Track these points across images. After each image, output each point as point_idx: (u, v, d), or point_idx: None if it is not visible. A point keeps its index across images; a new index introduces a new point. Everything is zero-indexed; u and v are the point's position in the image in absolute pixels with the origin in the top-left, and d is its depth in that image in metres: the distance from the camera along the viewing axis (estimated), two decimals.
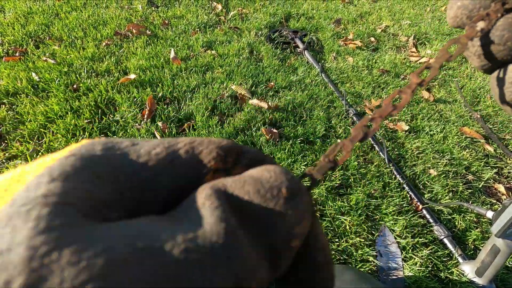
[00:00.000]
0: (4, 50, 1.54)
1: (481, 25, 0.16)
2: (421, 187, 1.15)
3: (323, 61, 1.81)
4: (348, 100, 1.50)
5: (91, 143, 0.11)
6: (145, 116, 1.24)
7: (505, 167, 1.28)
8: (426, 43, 2.13)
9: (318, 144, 1.22)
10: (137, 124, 1.21)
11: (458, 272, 0.89)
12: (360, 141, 0.15)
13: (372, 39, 2.09)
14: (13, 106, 1.23)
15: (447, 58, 0.16)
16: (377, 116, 0.16)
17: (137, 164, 0.11)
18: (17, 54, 1.52)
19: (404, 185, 1.12)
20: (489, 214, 0.86)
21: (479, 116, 1.50)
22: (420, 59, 1.91)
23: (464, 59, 1.98)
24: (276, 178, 0.11)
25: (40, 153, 1.05)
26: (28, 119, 1.17)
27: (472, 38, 0.16)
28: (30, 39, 1.64)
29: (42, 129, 1.14)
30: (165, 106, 1.31)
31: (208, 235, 0.09)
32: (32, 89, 1.30)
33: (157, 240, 0.09)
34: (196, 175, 0.12)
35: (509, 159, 1.32)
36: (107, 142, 0.12)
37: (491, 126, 1.48)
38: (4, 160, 1.03)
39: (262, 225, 0.11)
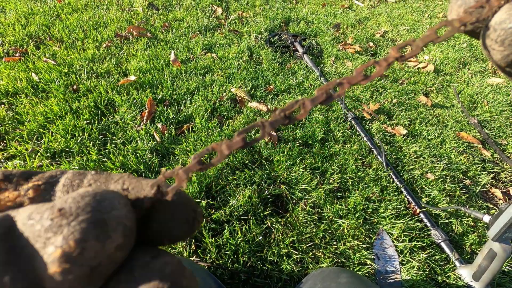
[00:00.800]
0: (4, 51, 1.54)
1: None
2: (418, 191, 1.15)
3: (322, 65, 1.83)
4: (347, 104, 1.51)
5: None
6: (145, 118, 1.25)
7: (502, 172, 1.29)
8: (424, 48, 2.15)
9: (316, 147, 1.22)
10: (136, 126, 1.22)
11: (455, 276, 0.90)
12: (322, 103, 0.15)
13: (371, 44, 2.11)
14: (13, 106, 1.23)
15: (433, 39, 0.15)
16: (345, 82, 0.15)
17: None
18: (17, 55, 1.53)
19: (402, 189, 1.12)
20: (486, 218, 0.87)
21: (476, 121, 1.52)
22: (418, 64, 1.93)
23: (462, 65, 2.00)
24: (72, 200, 0.10)
25: (38, 154, 1.05)
26: (28, 119, 1.17)
27: (466, 23, 0.14)
28: (30, 40, 1.64)
29: (41, 130, 1.14)
30: (165, 108, 1.31)
31: None
32: (32, 90, 1.31)
33: None
34: None
35: (506, 164, 1.33)
36: None
37: (488, 131, 1.49)
38: (2, 160, 1.03)
39: (28, 249, 0.10)
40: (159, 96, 1.37)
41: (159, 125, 1.22)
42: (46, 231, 0.10)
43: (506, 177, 1.28)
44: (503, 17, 0.14)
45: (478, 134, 1.46)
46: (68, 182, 0.13)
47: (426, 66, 1.91)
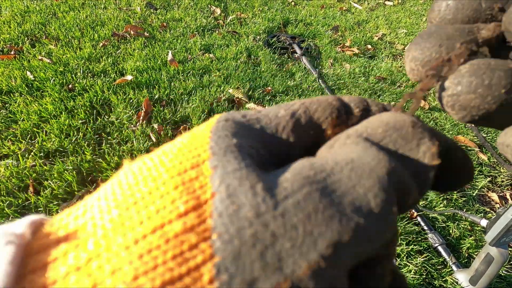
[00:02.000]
0: None
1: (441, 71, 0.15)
2: None
3: (320, 67, 1.82)
4: None
5: (228, 114, 0.13)
6: (141, 118, 1.23)
7: (499, 175, 1.29)
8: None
9: None
10: (132, 126, 1.20)
11: (452, 281, 0.89)
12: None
13: (369, 46, 2.11)
14: (6, 105, 1.22)
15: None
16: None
17: (271, 125, 0.13)
18: (12, 53, 1.51)
19: None
20: (483, 222, 0.86)
21: (473, 125, 1.52)
22: None
23: None
24: (397, 117, 0.13)
25: (32, 153, 1.03)
26: (21, 118, 1.15)
27: (429, 89, 0.15)
28: (26, 38, 1.63)
29: (35, 129, 1.12)
30: (161, 108, 1.30)
31: (364, 160, 0.11)
32: (26, 88, 1.29)
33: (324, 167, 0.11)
34: (318, 130, 0.13)
35: (502, 168, 1.33)
36: (240, 112, 0.14)
37: (485, 135, 1.50)
38: None
39: (401, 154, 0.12)
40: (156, 96, 1.35)
41: (155, 126, 1.21)
42: (411, 135, 0.12)
43: (502, 181, 1.28)
44: (448, 84, 0.15)
45: (475, 137, 1.47)
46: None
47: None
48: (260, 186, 0.10)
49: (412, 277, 0.89)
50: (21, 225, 0.10)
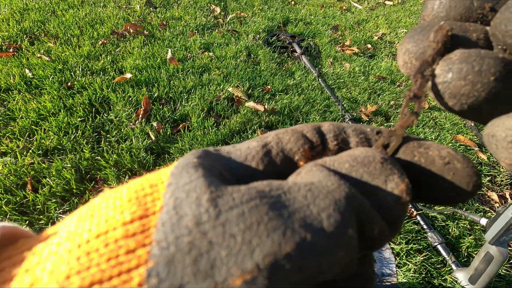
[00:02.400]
0: None
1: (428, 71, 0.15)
2: None
3: (320, 66, 1.82)
4: (345, 105, 1.50)
5: (201, 149, 0.14)
6: (140, 116, 1.23)
7: (498, 175, 1.29)
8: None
9: None
10: (131, 124, 1.20)
11: (451, 279, 0.89)
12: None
13: (369, 46, 2.11)
14: (5, 102, 1.21)
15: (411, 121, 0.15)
16: None
17: (240, 155, 0.13)
18: (10, 50, 1.50)
19: None
20: (483, 221, 0.86)
21: (472, 124, 1.52)
22: None
23: None
24: (367, 153, 0.13)
25: (30, 151, 1.03)
26: (20, 116, 1.15)
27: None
28: (25, 36, 1.62)
29: (33, 126, 1.12)
30: (161, 106, 1.30)
31: (324, 183, 0.11)
32: (25, 86, 1.28)
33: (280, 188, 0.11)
34: (290, 161, 0.13)
35: (502, 168, 1.33)
36: (214, 147, 0.14)
37: None
38: None
39: (368, 187, 0.12)
40: (155, 95, 1.35)
41: (154, 124, 1.21)
42: (381, 172, 0.12)
43: (502, 180, 1.28)
44: (438, 71, 0.14)
45: (475, 137, 1.46)
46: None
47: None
48: (205, 197, 0.10)
49: (412, 276, 0.88)
50: None
